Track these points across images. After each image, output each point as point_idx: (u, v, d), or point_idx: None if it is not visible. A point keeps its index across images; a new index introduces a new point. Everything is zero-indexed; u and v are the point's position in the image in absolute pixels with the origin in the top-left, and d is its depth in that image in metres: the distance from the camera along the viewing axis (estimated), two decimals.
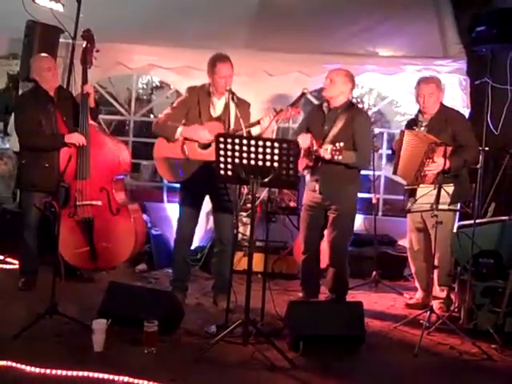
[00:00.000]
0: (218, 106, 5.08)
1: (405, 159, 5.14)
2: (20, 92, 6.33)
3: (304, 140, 4.92)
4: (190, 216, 5.17)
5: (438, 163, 4.82)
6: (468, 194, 5.08)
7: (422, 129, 5.17)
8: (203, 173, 4.93)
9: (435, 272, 4.90)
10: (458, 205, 5.14)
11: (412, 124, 5.33)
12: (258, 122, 4.93)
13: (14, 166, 7.18)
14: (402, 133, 5.22)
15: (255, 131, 4.93)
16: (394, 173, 5.34)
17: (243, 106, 4.92)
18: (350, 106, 5.12)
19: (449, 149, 4.78)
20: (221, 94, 5.03)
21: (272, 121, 4.85)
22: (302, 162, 4.93)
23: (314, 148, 4.91)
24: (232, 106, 4.99)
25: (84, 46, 5.52)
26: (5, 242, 6.17)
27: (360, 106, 8.36)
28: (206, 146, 4.96)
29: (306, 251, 5.24)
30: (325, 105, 5.15)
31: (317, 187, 5.07)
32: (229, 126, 4.96)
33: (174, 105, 5.13)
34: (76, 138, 5.28)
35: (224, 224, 5.14)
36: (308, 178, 5.21)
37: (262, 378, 3.82)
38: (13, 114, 6.05)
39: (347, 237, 5.21)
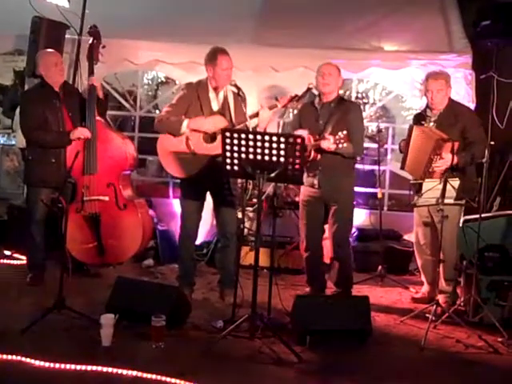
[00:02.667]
0: (217, 101, 5.08)
1: (412, 155, 5.12)
2: (26, 88, 6.35)
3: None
4: (194, 211, 5.17)
5: (445, 159, 4.80)
6: (474, 189, 5.07)
7: (431, 124, 5.13)
8: (206, 167, 4.95)
9: (441, 266, 4.91)
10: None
11: (420, 119, 5.29)
12: (257, 115, 4.94)
13: (20, 162, 7.22)
14: (411, 128, 5.19)
15: (254, 123, 4.94)
16: (402, 168, 5.33)
17: (241, 99, 4.94)
18: (342, 100, 5.20)
19: (456, 144, 4.77)
20: (220, 88, 5.04)
21: (273, 108, 4.87)
22: None
23: (313, 142, 4.92)
24: (231, 99, 5.01)
25: (90, 42, 5.54)
26: (12, 238, 6.21)
27: (365, 101, 8.36)
28: (211, 140, 4.97)
29: (308, 248, 5.25)
30: (316, 101, 5.18)
31: (315, 181, 5.09)
32: (231, 119, 4.98)
33: (174, 102, 5.10)
34: (79, 132, 5.28)
35: (227, 218, 5.16)
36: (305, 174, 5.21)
37: (268, 371, 3.84)
38: (17, 110, 6.08)
39: (349, 228, 5.28)
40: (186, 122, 4.93)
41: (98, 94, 5.46)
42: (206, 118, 4.95)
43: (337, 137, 4.74)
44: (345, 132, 4.73)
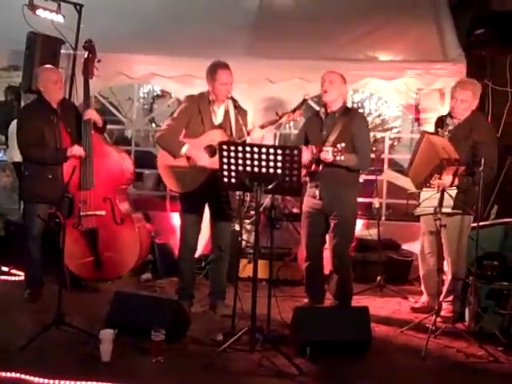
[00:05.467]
0: (218, 114, 5.08)
1: (417, 163, 5.02)
2: (22, 104, 6.35)
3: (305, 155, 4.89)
4: (193, 224, 5.16)
5: (444, 181, 4.66)
6: (471, 200, 5.02)
7: (446, 133, 5.05)
8: (206, 180, 4.95)
9: (445, 275, 4.89)
10: None
11: (439, 125, 5.21)
12: (248, 134, 4.91)
13: (15, 178, 7.20)
14: (423, 134, 5.12)
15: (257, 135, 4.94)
16: (407, 174, 5.24)
17: (242, 113, 4.96)
18: (347, 110, 5.14)
19: (461, 169, 4.69)
20: (221, 102, 5.04)
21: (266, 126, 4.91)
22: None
23: (314, 152, 4.91)
24: (232, 113, 5.01)
25: (86, 56, 5.55)
26: (9, 254, 6.17)
27: (361, 110, 8.38)
28: (212, 154, 4.97)
29: (309, 258, 5.22)
30: (322, 111, 5.14)
31: (317, 193, 5.05)
32: (231, 133, 4.98)
33: (175, 115, 5.10)
34: (75, 151, 5.29)
35: (223, 231, 5.17)
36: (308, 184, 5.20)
37: None
38: (10, 126, 6.07)
39: (349, 242, 5.21)
40: (185, 148, 4.92)
41: (97, 123, 5.46)
42: (204, 153, 4.94)
43: (335, 149, 4.70)
44: (343, 144, 4.69)
